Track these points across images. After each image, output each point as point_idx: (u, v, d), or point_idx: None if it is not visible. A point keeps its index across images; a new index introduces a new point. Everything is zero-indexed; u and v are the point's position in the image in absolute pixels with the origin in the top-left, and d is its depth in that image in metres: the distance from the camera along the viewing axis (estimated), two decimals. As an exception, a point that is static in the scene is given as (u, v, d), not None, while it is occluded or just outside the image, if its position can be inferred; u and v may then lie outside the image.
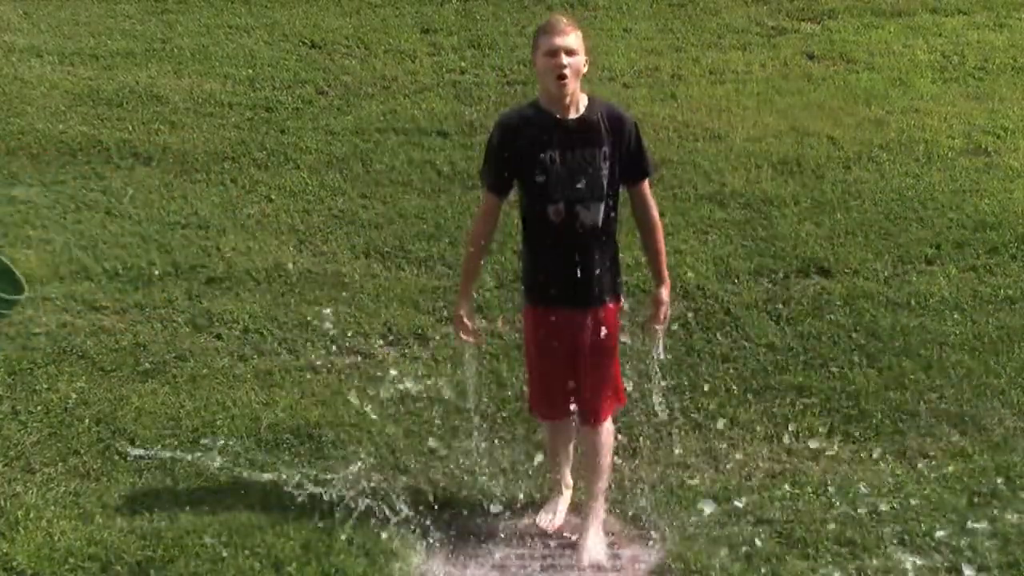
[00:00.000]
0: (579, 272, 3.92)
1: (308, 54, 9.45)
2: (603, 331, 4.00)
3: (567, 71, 3.77)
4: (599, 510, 4.21)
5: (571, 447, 4.39)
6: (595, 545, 4.14)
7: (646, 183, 4.05)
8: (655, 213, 4.07)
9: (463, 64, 9.24)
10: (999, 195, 6.98)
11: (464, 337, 4.10)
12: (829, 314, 5.70)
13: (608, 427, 4.19)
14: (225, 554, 3.98)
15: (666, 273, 4.15)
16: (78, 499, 4.31)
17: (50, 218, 6.58)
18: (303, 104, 8.40)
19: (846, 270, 6.13)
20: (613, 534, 4.25)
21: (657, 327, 4.18)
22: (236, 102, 8.39)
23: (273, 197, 6.97)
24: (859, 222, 6.65)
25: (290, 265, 6.10)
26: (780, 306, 5.77)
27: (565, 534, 4.26)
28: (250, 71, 8.99)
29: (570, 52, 3.77)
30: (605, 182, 3.90)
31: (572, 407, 4.10)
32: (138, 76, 8.83)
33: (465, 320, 4.07)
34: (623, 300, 4.18)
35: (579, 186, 3.86)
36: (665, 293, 4.12)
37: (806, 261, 6.20)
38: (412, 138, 7.81)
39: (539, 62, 3.83)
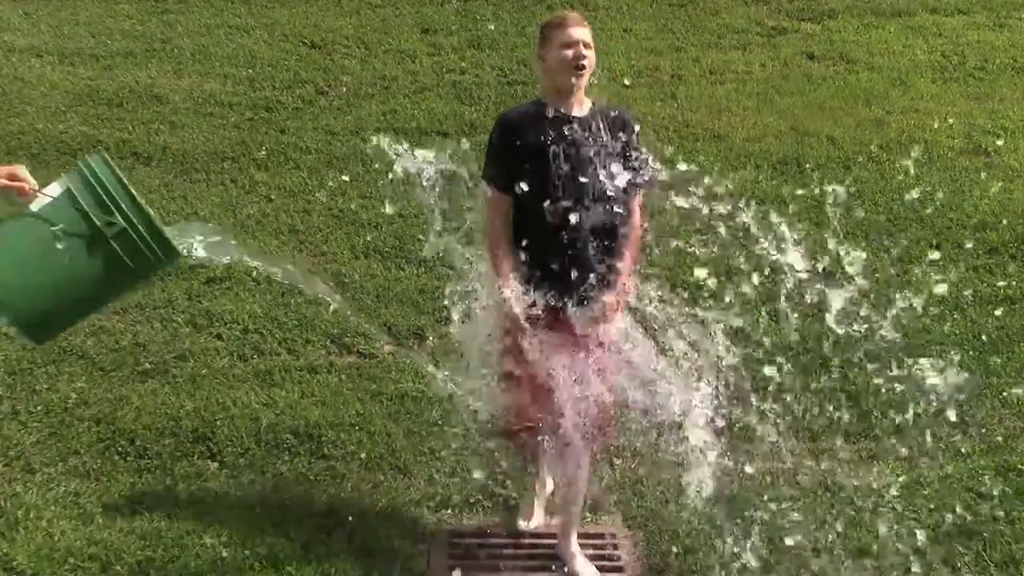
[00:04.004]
0: (572, 276, 3.75)
1: (308, 54, 9.45)
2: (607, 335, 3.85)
3: (586, 61, 3.71)
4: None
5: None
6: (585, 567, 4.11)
7: (639, 196, 3.89)
8: (636, 220, 3.90)
9: (463, 64, 9.24)
10: (999, 195, 6.99)
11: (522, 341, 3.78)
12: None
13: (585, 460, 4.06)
14: (225, 554, 3.98)
15: (628, 283, 3.87)
16: (78, 499, 4.30)
17: (50, 218, 6.57)
18: (303, 104, 8.41)
19: (846, 270, 6.13)
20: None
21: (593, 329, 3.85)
22: (236, 102, 8.40)
23: (273, 197, 6.97)
24: (859, 222, 6.66)
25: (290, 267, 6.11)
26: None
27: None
28: (250, 71, 9.00)
29: (587, 45, 3.73)
30: (607, 183, 3.77)
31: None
32: (138, 76, 8.83)
33: (523, 324, 3.76)
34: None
35: (580, 186, 3.73)
36: (612, 300, 3.81)
37: (806, 261, 6.20)
38: (412, 138, 7.81)
39: (553, 55, 3.73)
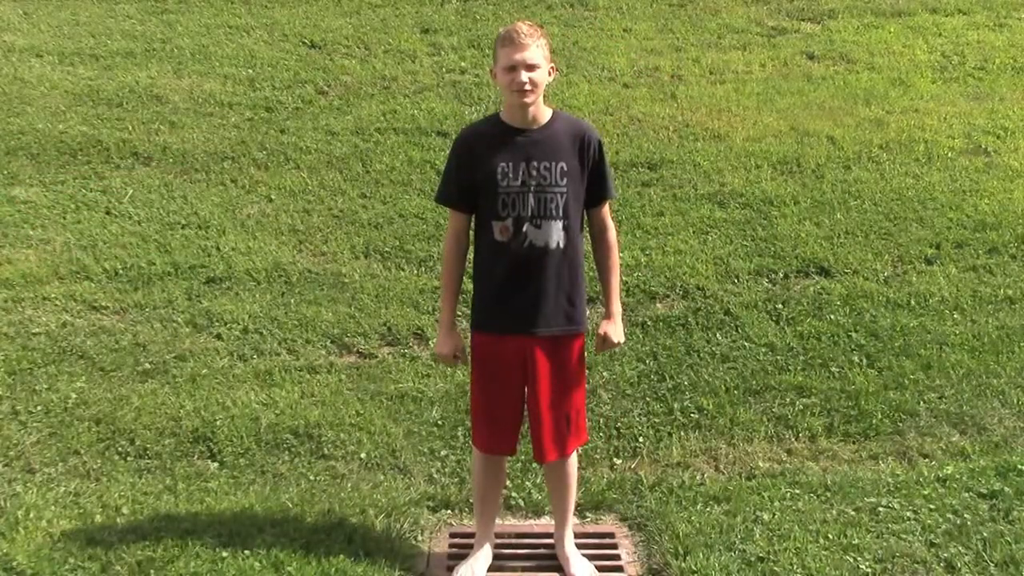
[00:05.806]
0: (525, 297, 3.71)
1: (308, 54, 9.45)
2: (560, 363, 3.79)
3: (527, 87, 3.60)
4: (571, 534, 4.11)
5: (500, 495, 4.17)
6: (583, 567, 4.03)
7: (606, 206, 3.86)
8: (612, 236, 3.87)
9: (463, 64, 9.25)
10: (999, 195, 7.00)
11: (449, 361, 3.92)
12: (829, 314, 5.70)
13: (572, 461, 4.01)
14: (225, 554, 3.98)
15: (616, 305, 3.86)
16: (78, 499, 4.30)
17: (50, 218, 6.58)
18: (303, 104, 8.41)
19: (846, 270, 6.14)
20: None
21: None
22: (236, 102, 8.40)
23: (273, 197, 6.97)
24: (859, 222, 6.66)
25: (290, 265, 6.12)
26: (780, 306, 5.77)
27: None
28: (250, 71, 9.00)
29: (530, 67, 3.59)
30: (561, 200, 3.69)
31: (515, 444, 3.94)
32: (138, 76, 8.83)
33: (455, 357, 3.87)
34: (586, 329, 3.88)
35: (531, 203, 3.66)
36: (609, 328, 3.84)
37: (806, 261, 6.21)
38: (412, 138, 7.82)
39: (499, 76, 3.65)
